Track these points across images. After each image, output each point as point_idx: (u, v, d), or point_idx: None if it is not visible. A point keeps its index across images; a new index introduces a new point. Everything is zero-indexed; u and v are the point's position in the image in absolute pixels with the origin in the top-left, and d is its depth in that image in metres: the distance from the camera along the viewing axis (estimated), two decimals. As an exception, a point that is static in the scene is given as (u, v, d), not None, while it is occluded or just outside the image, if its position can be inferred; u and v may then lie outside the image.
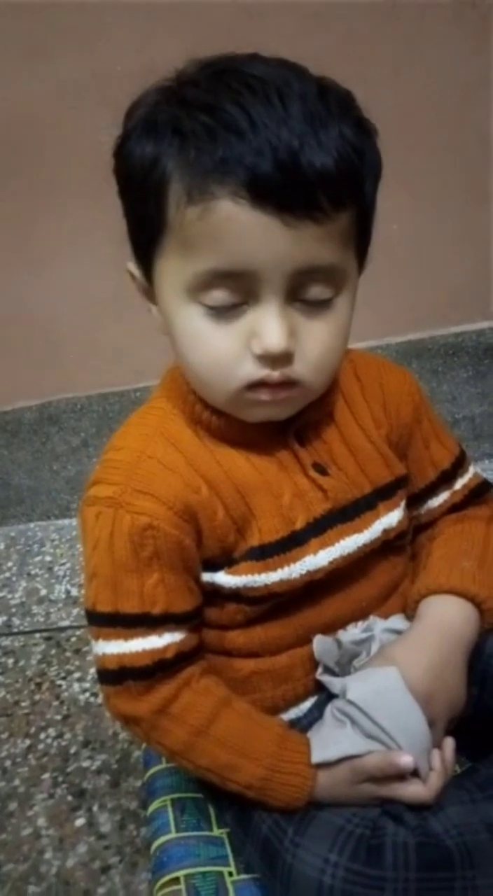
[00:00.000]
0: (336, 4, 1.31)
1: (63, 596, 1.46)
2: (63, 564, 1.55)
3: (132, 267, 0.61)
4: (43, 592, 1.47)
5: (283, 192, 0.50)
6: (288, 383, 0.57)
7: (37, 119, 1.37)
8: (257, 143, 0.49)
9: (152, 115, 0.54)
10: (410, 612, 0.68)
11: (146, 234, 0.56)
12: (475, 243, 1.52)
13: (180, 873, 0.65)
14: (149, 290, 0.60)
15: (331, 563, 0.63)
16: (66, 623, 1.38)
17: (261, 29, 1.29)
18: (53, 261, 1.47)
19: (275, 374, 0.55)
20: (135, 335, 1.49)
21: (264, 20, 1.30)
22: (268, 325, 0.54)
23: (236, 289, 0.53)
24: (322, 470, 0.64)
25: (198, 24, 1.29)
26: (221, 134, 0.50)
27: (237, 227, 0.51)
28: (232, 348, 0.55)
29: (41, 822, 1.01)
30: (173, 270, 0.55)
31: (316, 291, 0.55)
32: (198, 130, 0.51)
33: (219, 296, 0.54)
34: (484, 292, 1.56)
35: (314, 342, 0.56)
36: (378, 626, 0.66)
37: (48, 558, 1.57)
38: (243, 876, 0.65)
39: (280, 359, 0.55)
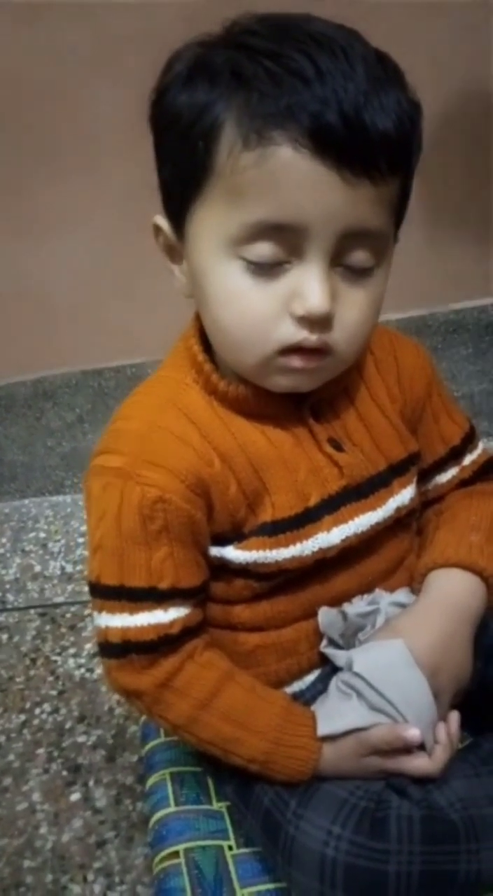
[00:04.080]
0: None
1: (58, 572, 1.44)
2: (58, 541, 1.53)
3: (161, 221, 0.59)
4: (37, 569, 1.46)
5: (345, 145, 0.49)
6: (322, 350, 0.55)
7: (34, 85, 1.34)
8: (323, 92, 0.48)
9: (205, 59, 0.52)
10: (416, 586, 0.67)
11: (187, 183, 0.54)
12: (477, 219, 1.50)
13: (180, 847, 0.65)
14: (175, 247, 0.59)
15: (343, 540, 0.62)
16: (60, 599, 1.37)
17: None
18: (49, 234, 1.44)
19: (312, 338, 0.54)
20: (131, 310, 1.48)
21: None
22: (313, 285, 0.52)
23: (283, 244, 0.52)
24: (338, 446, 0.63)
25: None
26: (287, 80, 0.48)
27: (295, 175, 0.49)
28: (271, 308, 0.53)
29: (36, 797, 1.01)
30: (216, 221, 0.53)
31: (360, 257, 0.54)
32: (261, 75, 0.49)
33: (264, 250, 0.52)
34: (485, 269, 1.55)
35: (352, 311, 0.55)
36: (384, 599, 0.65)
37: (42, 535, 1.56)
38: (243, 850, 0.65)
39: (320, 322, 0.53)
